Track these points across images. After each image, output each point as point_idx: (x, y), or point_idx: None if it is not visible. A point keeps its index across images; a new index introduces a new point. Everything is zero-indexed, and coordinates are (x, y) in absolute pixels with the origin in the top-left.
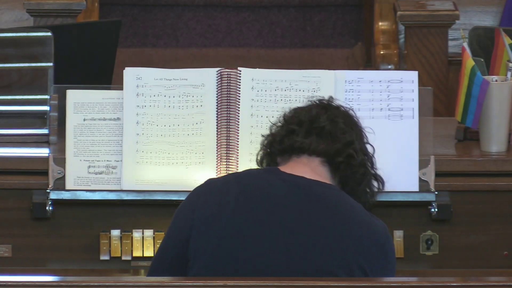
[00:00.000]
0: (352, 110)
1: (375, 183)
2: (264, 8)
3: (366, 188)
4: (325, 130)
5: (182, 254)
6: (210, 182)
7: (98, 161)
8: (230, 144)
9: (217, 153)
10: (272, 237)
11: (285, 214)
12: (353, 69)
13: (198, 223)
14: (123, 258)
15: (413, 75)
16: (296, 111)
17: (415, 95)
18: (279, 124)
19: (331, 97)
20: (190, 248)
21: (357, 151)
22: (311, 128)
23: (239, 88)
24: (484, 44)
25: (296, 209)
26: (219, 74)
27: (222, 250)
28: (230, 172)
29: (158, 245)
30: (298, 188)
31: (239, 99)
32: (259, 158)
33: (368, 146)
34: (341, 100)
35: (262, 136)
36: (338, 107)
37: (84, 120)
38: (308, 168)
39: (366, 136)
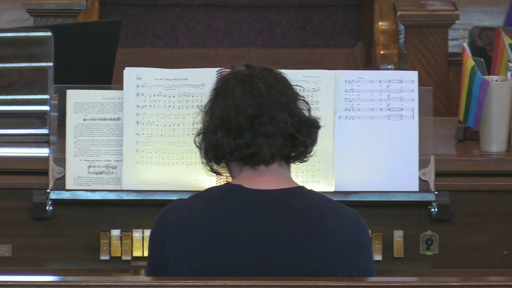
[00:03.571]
0: (273, 71)
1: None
2: (264, 8)
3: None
4: (269, 133)
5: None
6: (175, 210)
7: (98, 161)
8: None
9: None
10: (252, 262)
11: (258, 236)
12: (353, 69)
13: (172, 261)
14: (123, 258)
15: (413, 75)
16: (229, 105)
17: (415, 95)
18: (215, 123)
19: (248, 67)
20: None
21: (303, 140)
22: (256, 134)
23: None
24: (484, 44)
25: (268, 228)
26: (219, 74)
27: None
28: None
29: None
30: (265, 205)
31: None
32: (205, 160)
33: (300, 105)
34: (341, 100)
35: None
36: (263, 81)
37: (84, 120)
38: (270, 177)
39: (296, 93)
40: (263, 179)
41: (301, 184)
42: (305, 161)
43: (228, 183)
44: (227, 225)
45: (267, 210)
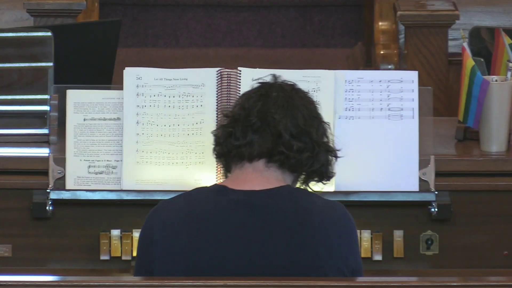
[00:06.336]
0: (295, 88)
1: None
2: (264, 8)
3: (321, 166)
4: (255, 127)
5: None
6: (161, 210)
7: (98, 161)
8: None
9: None
10: (235, 261)
11: (243, 238)
12: (353, 69)
13: (158, 258)
14: (123, 258)
15: (413, 75)
16: (237, 103)
17: (415, 95)
18: (225, 118)
19: (274, 76)
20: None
21: (289, 141)
22: (244, 127)
23: (239, 88)
24: (484, 44)
25: (253, 227)
26: (219, 74)
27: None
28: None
29: None
30: (250, 206)
31: None
32: (215, 152)
33: (311, 120)
34: (341, 100)
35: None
36: (278, 92)
37: (84, 120)
38: (255, 176)
39: (310, 109)
40: (248, 180)
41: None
42: (301, 171)
43: (215, 184)
44: (210, 226)
45: (250, 211)
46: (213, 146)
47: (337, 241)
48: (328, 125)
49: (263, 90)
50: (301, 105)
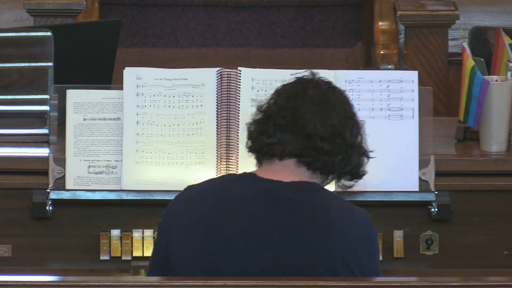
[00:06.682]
0: (331, 86)
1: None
2: (264, 8)
3: (352, 168)
4: (287, 126)
5: (168, 269)
6: (185, 192)
7: (98, 161)
8: (230, 144)
9: (217, 153)
10: (252, 249)
11: (264, 224)
12: (353, 69)
13: (175, 241)
14: (123, 258)
15: (413, 75)
16: (271, 98)
17: (415, 95)
18: (258, 114)
19: (311, 72)
20: (171, 264)
21: (321, 142)
22: (276, 125)
23: (239, 88)
24: (484, 44)
25: (274, 217)
26: (219, 74)
27: (204, 266)
28: (230, 171)
29: None
30: (275, 195)
31: (239, 99)
32: (247, 146)
33: (346, 121)
34: None
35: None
36: (314, 90)
37: (84, 120)
38: (284, 172)
39: (345, 109)
40: (276, 172)
41: None
42: (332, 175)
43: (243, 172)
44: (231, 208)
45: (273, 199)
46: (245, 140)
47: (355, 245)
48: (363, 123)
49: (299, 87)
50: (336, 105)
